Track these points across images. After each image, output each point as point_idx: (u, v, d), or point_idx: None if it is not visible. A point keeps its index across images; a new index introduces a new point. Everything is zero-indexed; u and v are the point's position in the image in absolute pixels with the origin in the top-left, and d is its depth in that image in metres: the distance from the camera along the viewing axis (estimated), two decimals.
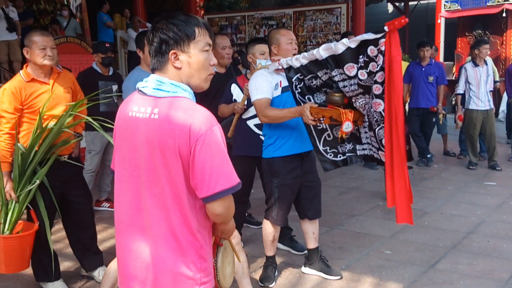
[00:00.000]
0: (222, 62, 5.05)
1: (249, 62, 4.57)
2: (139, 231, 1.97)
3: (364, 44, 3.09)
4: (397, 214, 3.19)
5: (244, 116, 4.56)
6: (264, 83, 3.72)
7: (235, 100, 4.58)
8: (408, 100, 8.28)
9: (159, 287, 1.95)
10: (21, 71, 3.69)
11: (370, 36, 3.06)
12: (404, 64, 8.66)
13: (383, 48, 2.99)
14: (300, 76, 3.56)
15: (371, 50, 3.07)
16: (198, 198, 1.90)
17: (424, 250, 4.65)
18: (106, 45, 5.69)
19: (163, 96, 1.91)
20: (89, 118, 3.61)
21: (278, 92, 3.75)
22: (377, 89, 3.17)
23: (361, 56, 3.13)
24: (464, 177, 7.34)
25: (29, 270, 3.98)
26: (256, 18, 10.94)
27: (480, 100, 7.62)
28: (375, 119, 3.29)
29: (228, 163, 1.89)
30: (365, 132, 3.51)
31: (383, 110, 3.16)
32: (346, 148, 3.67)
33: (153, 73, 2.00)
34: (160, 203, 1.90)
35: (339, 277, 4.09)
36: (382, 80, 3.09)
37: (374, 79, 3.15)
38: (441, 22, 16.07)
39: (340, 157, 3.71)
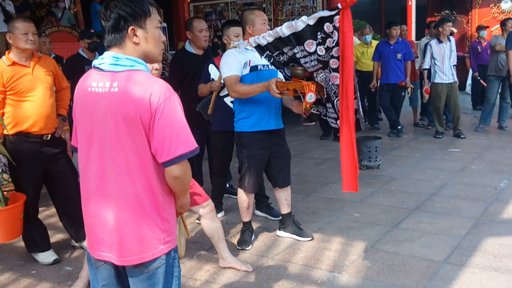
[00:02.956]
0: (199, 44, 4.96)
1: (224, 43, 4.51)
2: (105, 198, 1.95)
3: (321, 21, 3.05)
4: (343, 182, 3.15)
5: (221, 94, 4.52)
6: (233, 62, 3.69)
7: (212, 79, 4.54)
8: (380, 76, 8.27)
9: (125, 249, 1.93)
10: (3, 57, 3.65)
11: (326, 13, 3.02)
12: (376, 43, 8.62)
13: (337, 25, 2.95)
14: (269, 53, 3.52)
15: (327, 27, 3.03)
16: None
17: (389, 212, 4.66)
18: (91, 31, 5.63)
19: (121, 70, 1.89)
20: None
21: (246, 70, 3.73)
22: (333, 63, 3.14)
23: (319, 33, 3.09)
24: (431, 146, 7.34)
25: (22, 243, 3.97)
26: (238, 4, 10.81)
27: (445, 74, 7.59)
28: (333, 91, 3.27)
29: (186, 129, 1.87)
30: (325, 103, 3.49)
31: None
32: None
33: (107, 49, 1.96)
34: (124, 171, 1.89)
35: (310, 238, 4.10)
36: (338, 54, 3.06)
37: (331, 54, 3.12)
38: (412, 3, 15.95)
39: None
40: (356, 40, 8.88)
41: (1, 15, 9.17)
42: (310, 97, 3.33)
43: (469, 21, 13.41)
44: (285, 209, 4.16)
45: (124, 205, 1.91)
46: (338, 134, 7.94)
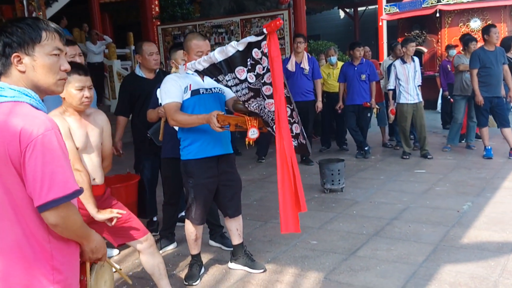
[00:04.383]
0: (150, 67, 4.80)
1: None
2: None
3: (250, 47, 2.91)
4: (281, 223, 2.82)
5: None
6: (172, 88, 3.52)
7: (160, 104, 4.36)
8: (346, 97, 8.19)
9: None
10: None
11: (253, 38, 2.88)
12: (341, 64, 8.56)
13: (265, 50, 2.82)
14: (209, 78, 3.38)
15: (256, 53, 2.90)
16: None
17: (348, 238, 4.49)
18: None
19: (2, 101, 1.70)
20: None
21: (187, 95, 3.55)
22: (267, 90, 3.01)
23: (248, 59, 2.95)
24: (397, 167, 7.22)
25: None
26: (207, 26, 10.70)
27: (410, 94, 7.53)
28: (270, 118, 3.13)
29: (64, 170, 1.66)
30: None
31: None
32: None
33: None
34: (2, 215, 1.69)
35: (262, 270, 3.91)
36: (271, 81, 2.92)
37: (263, 80, 2.98)
38: (383, 24, 16.10)
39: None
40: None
41: None
42: (253, 132, 3.20)
43: (439, 40, 13.51)
44: (236, 240, 3.97)
45: (5, 252, 1.70)
46: (304, 158, 7.68)
